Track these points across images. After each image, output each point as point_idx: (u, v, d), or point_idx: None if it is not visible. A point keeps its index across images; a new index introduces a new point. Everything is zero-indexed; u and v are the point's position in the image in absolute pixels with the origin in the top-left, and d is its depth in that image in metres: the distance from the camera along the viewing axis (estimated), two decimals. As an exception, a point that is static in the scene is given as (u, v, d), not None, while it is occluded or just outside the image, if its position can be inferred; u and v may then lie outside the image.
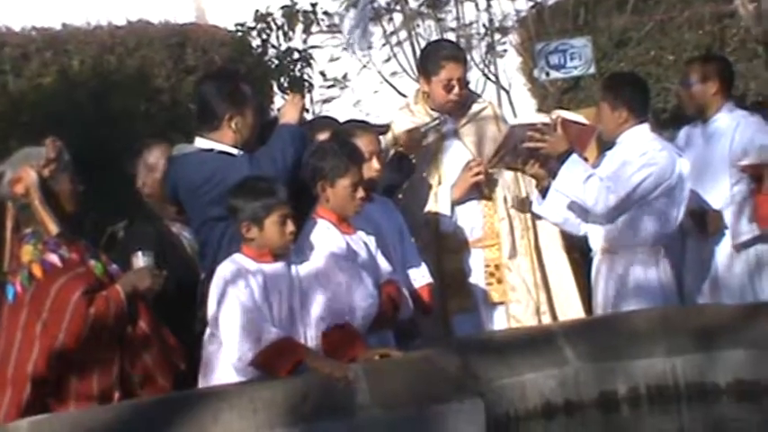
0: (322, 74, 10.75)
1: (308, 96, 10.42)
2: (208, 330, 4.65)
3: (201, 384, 4.64)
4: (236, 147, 5.11)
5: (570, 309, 6.05)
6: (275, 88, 10.49)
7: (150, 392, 4.65)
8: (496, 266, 6.01)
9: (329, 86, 10.90)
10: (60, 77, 8.95)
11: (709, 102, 6.33)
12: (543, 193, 5.87)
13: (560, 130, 5.81)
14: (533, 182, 6.04)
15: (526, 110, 11.27)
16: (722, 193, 6.20)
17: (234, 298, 4.47)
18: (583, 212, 5.86)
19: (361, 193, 4.84)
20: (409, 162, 5.74)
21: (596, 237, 5.87)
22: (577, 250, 6.53)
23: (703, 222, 6.16)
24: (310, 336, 4.62)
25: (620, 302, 5.75)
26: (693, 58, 7.58)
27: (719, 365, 4.64)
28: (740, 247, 6.13)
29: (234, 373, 4.49)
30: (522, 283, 6.00)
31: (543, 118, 6.06)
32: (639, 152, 5.76)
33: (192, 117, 5.28)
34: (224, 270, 4.58)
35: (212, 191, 4.92)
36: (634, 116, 5.85)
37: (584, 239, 6.00)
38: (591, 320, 5.60)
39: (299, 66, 10.53)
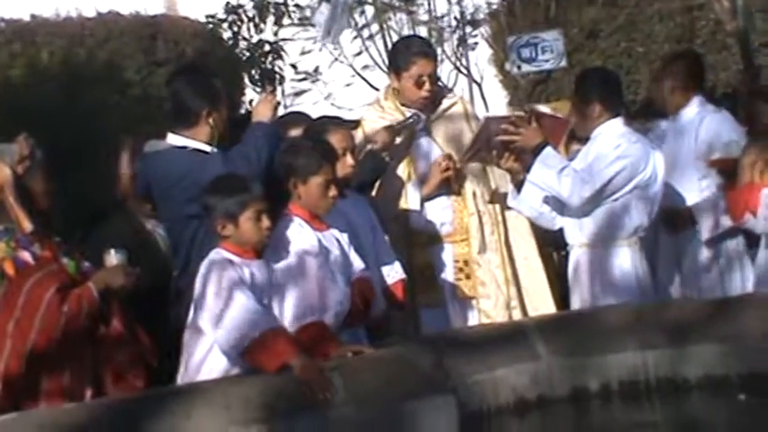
0: (293, 66, 10.76)
1: (279, 89, 10.43)
2: (190, 324, 4.59)
3: (182, 381, 4.60)
4: (210, 143, 5.12)
5: (541, 304, 6.06)
6: (246, 80, 10.49)
7: (122, 390, 4.64)
8: (465, 262, 6.01)
9: (301, 80, 10.90)
10: (29, 70, 8.90)
11: (676, 97, 6.37)
12: (518, 187, 5.88)
13: (534, 123, 5.82)
14: (504, 177, 6.06)
15: (498, 102, 11.32)
16: (691, 188, 6.24)
17: (226, 285, 4.44)
18: (558, 206, 5.88)
19: (333, 191, 4.83)
20: (382, 159, 5.73)
21: (573, 231, 5.89)
22: (550, 245, 6.56)
23: (672, 219, 6.19)
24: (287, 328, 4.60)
25: (598, 296, 5.77)
26: (666, 55, 7.62)
27: (691, 360, 4.68)
28: (711, 243, 6.17)
29: (217, 367, 4.47)
30: (492, 279, 6.01)
31: (517, 111, 6.07)
32: (613, 145, 5.78)
33: (166, 114, 5.25)
34: (211, 260, 4.55)
35: (186, 189, 4.91)
36: (608, 111, 5.87)
37: (559, 234, 6.01)
38: (563, 316, 5.63)
39: (269, 58, 10.54)
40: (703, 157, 6.22)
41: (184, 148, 5.09)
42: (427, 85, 5.97)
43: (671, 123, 6.43)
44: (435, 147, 6.06)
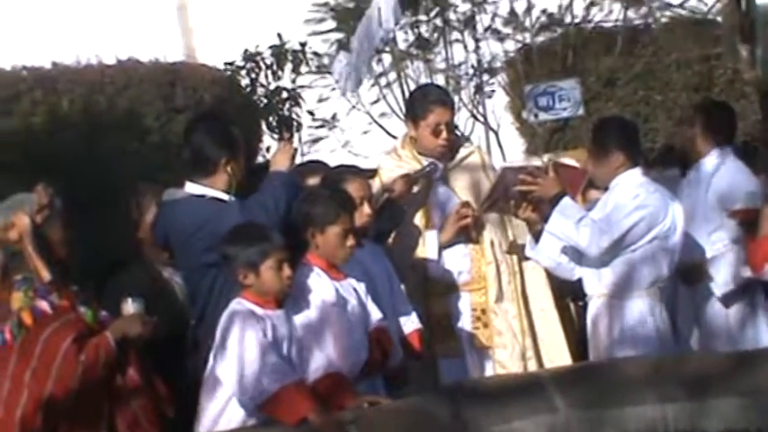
0: (310, 113, 10.79)
1: (296, 136, 10.45)
2: (208, 374, 4.58)
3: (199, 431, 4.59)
4: (228, 191, 5.14)
5: (556, 355, 6.03)
6: (264, 127, 10.53)
7: (138, 441, 4.63)
8: (483, 311, 5.99)
9: (318, 127, 10.92)
10: (50, 117, 8.94)
11: (699, 146, 6.38)
12: (536, 237, 5.87)
13: (552, 173, 5.81)
14: (521, 226, 6.05)
15: (515, 149, 11.33)
16: (703, 242, 6.23)
17: (248, 337, 4.44)
18: (576, 256, 5.85)
19: (351, 241, 4.83)
20: (399, 208, 5.74)
21: (592, 281, 5.86)
22: (568, 295, 6.54)
23: (687, 273, 6.15)
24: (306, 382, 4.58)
25: (617, 347, 5.72)
26: (698, 103, 7.62)
27: (711, 414, 4.63)
28: (726, 298, 6.13)
29: (235, 418, 4.46)
30: (509, 329, 5.98)
31: (535, 161, 6.08)
32: (632, 195, 5.76)
33: (184, 162, 5.27)
34: (234, 311, 4.55)
35: (204, 238, 4.92)
36: (630, 159, 5.86)
37: (577, 284, 5.99)
38: (581, 367, 5.59)
39: (287, 105, 10.58)
40: (714, 208, 6.20)
41: (202, 196, 5.11)
42: (444, 134, 5.97)
43: (692, 173, 6.42)
44: (453, 195, 6.06)
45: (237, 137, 5.30)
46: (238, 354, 4.42)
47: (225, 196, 5.11)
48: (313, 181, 5.45)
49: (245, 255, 4.58)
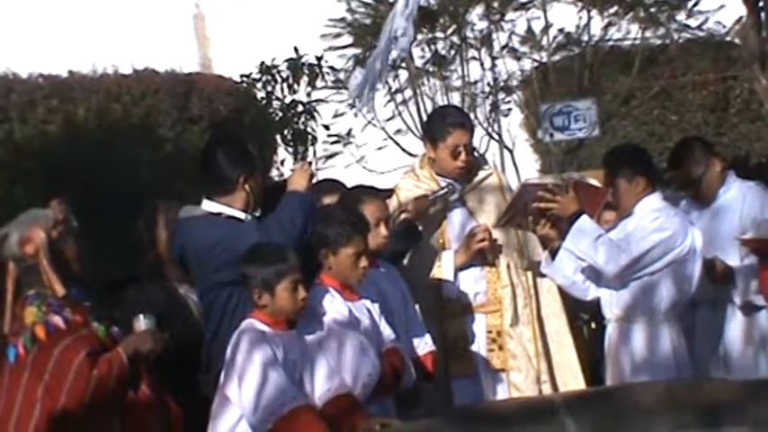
0: (326, 127, 10.80)
1: (311, 150, 10.47)
2: (219, 392, 4.57)
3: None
4: (245, 210, 5.13)
5: (571, 379, 6.01)
6: (279, 140, 10.55)
7: (149, 458, 4.62)
8: (498, 333, 5.96)
9: (333, 142, 10.93)
10: (66, 125, 8.99)
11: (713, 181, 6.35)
12: (553, 254, 5.86)
13: (571, 191, 5.81)
14: (537, 249, 6.04)
15: (529, 168, 11.32)
16: (734, 259, 6.17)
17: (258, 358, 4.44)
18: (593, 275, 5.85)
19: (364, 263, 4.82)
20: (416, 229, 5.73)
21: (609, 304, 5.86)
22: (583, 318, 6.51)
23: (712, 270, 6.09)
24: (315, 405, 4.57)
25: (633, 372, 5.71)
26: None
27: (724, 443, 4.61)
28: (747, 307, 6.07)
29: None
30: (524, 352, 5.96)
31: (554, 179, 6.06)
32: (652, 218, 5.76)
33: (202, 181, 5.26)
34: (244, 331, 4.55)
35: (220, 256, 4.92)
36: (651, 184, 5.85)
37: (594, 307, 5.97)
38: (594, 392, 5.56)
39: (302, 119, 10.60)
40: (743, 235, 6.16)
41: (219, 214, 5.11)
42: (463, 156, 5.95)
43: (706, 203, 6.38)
44: (470, 217, 6.04)
45: (254, 154, 5.30)
46: (247, 374, 4.42)
47: (242, 215, 5.10)
48: (329, 200, 5.44)
49: (262, 275, 4.58)
